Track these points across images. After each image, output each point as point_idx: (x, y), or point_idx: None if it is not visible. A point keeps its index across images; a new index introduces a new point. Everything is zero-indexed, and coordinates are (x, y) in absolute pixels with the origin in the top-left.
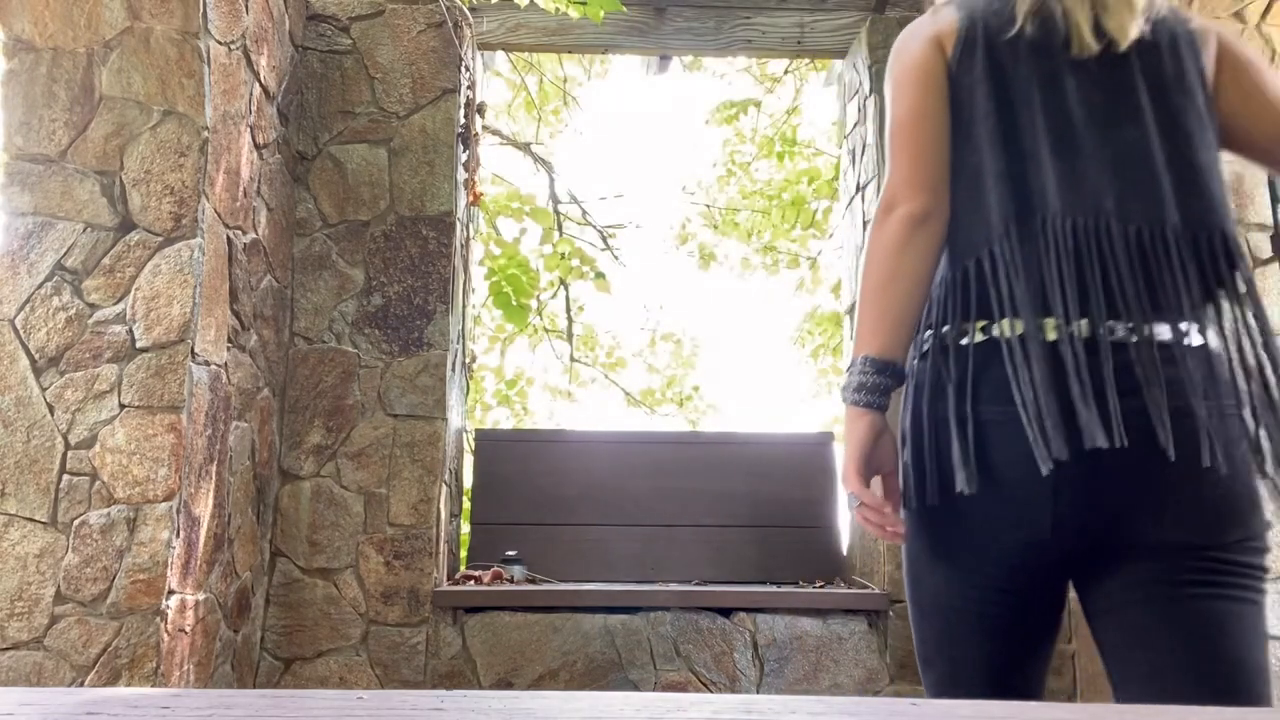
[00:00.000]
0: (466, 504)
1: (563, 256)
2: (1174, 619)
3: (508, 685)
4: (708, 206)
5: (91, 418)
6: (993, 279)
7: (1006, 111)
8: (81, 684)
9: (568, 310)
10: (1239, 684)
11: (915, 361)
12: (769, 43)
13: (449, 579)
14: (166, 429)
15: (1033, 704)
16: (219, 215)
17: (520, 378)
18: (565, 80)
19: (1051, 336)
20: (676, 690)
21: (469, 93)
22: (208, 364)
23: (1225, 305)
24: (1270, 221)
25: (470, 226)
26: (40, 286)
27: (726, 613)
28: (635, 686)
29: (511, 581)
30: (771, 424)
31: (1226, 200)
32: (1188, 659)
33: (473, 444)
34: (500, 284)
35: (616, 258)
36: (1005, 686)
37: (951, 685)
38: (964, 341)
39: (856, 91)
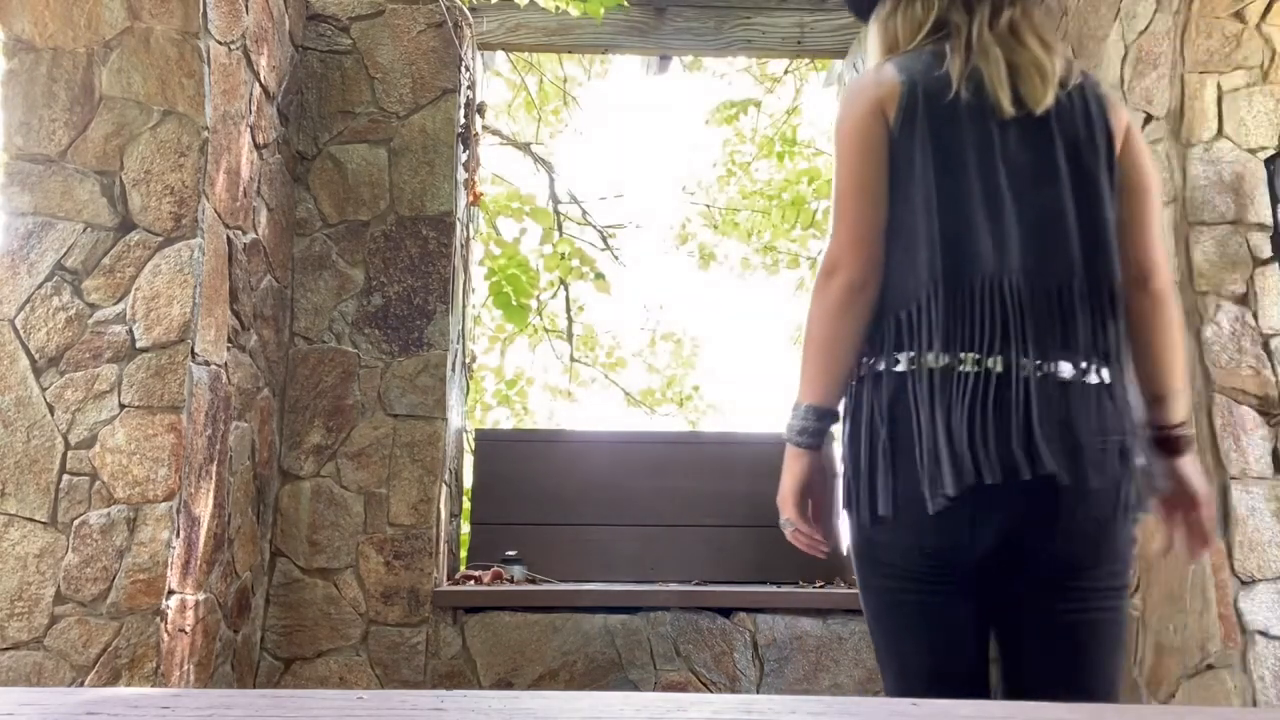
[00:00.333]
0: (466, 504)
1: (563, 256)
2: (1051, 632)
3: (508, 685)
4: (708, 206)
5: (91, 418)
6: (921, 319)
7: (944, 176)
8: (81, 684)
9: (568, 310)
10: (1098, 686)
11: (852, 385)
12: (769, 43)
13: (449, 579)
14: (166, 429)
15: (1033, 704)
16: (219, 215)
17: (520, 378)
18: (565, 80)
19: (970, 369)
20: (676, 690)
21: (469, 93)
22: (208, 364)
23: (1113, 347)
24: (1270, 221)
25: (470, 226)
26: (40, 286)
27: (726, 613)
28: (635, 686)
29: (511, 581)
30: (771, 424)
31: (1116, 248)
32: (1061, 666)
33: (473, 444)
34: (500, 284)
35: (616, 258)
36: (947, 675)
37: (901, 678)
38: (897, 369)
39: None
